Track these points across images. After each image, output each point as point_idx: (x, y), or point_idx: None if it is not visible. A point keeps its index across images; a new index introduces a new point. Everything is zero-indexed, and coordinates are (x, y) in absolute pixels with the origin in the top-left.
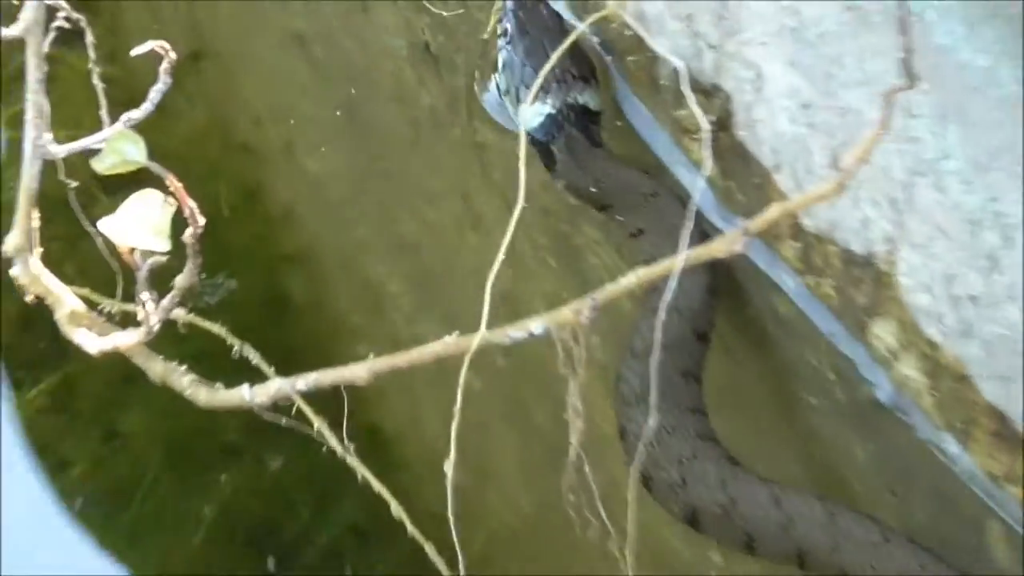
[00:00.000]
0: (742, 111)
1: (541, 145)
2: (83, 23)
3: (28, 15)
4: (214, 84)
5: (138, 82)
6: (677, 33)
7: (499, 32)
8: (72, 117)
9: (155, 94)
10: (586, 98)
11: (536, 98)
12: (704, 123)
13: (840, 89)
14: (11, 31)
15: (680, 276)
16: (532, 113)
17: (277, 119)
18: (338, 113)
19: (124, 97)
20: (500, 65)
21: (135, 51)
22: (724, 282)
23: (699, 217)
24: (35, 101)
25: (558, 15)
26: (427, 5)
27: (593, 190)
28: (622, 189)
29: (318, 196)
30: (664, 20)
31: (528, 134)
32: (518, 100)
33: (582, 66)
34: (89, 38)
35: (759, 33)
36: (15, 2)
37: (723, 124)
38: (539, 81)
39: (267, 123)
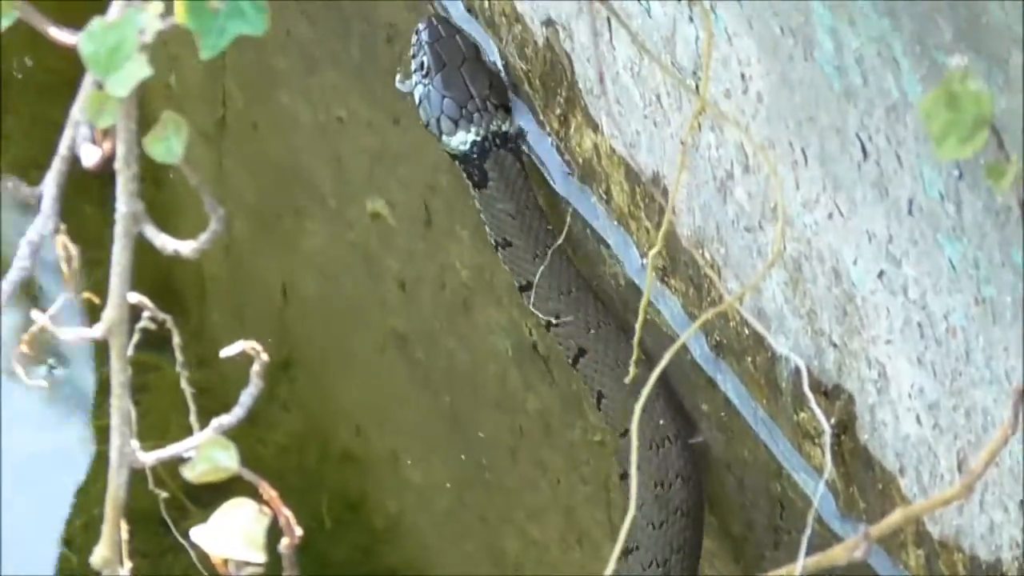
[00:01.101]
0: (865, 413)
1: (474, 163)
2: (169, 323)
3: (110, 314)
4: (309, 390)
5: (228, 389)
6: (798, 331)
7: (414, 68)
8: (159, 425)
9: (247, 398)
10: (507, 126)
11: (459, 128)
12: (826, 427)
13: (968, 387)
14: (94, 332)
15: None
16: (458, 141)
17: (379, 426)
18: (441, 419)
19: (214, 405)
20: (417, 99)
21: (224, 352)
22: None
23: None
24: (120, 407)
25: (475, 45)
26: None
27: (512, 218)
28: (529, 230)
29: (423, 508)
30: (784, 317)
31: (458, 156)
32: (440, 131)
33: (502, 95)
34: (176, 339)
35: (884, 329)
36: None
37: (845, 427)
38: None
39: (369, 430)
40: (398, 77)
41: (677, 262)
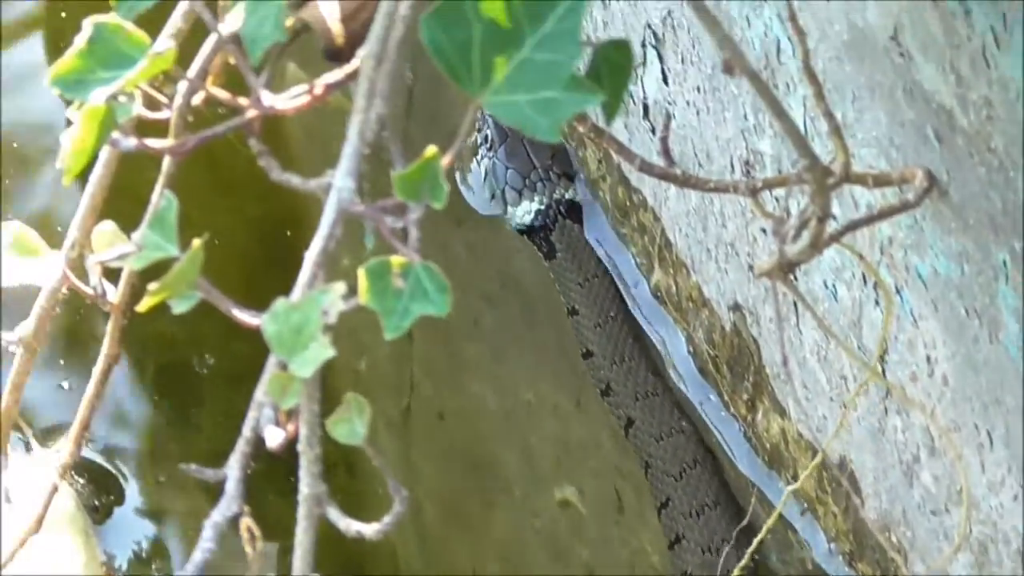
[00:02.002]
0: None
1: (540, 234)
2: None
3: None
4: None
5: None
6: None
7: (479, 141)
8: None
9: None
10: (571, 193)
11: (523, 197)
12: None
13: None
14: None
15: None
16: (523, 211)
17: None
18: None
19: None
20: (483, 174)
21: None
22: None
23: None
24: None
25: None
26: None
27: (580, 287)
28: (595, 300)
29: None
30: None
31: (524, 229)
32: (505, 203)
33: (565, 164)
34: None
35: None
36: None
37: None
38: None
39: None
40: (458, 176)
41: (864, 546)
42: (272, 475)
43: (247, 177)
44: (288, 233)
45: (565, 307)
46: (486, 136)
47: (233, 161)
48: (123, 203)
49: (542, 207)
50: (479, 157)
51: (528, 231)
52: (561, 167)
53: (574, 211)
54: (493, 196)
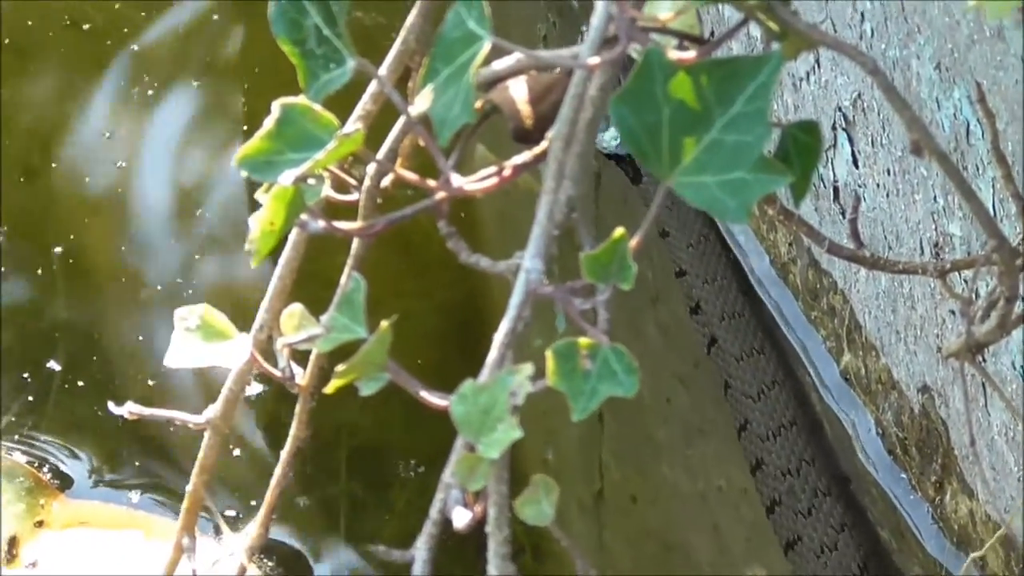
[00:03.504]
0: None
1: (626, 159)
2: None
3: None
4: None
5: None
6: None
7: None
8: None
9: None
10: None
11: (609, 125)
12: None
13: None
14: None
15: None
16: (610, 136)
17: None
18: None
19: None
20: None
21: None
22: None
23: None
24: None
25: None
26: None
27: (669, 208)
28: (685, 221)
29: None
30: None
31: (612, 155)
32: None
33: None
34: None
35: None
36: None
37: None
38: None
39: None
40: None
41: None
42: (460, 557)
43: (439, 261)
44: (480, 317)
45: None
46: None
47: (427, 245)
48: (312, 288)
49: None
50: None
51: (615, 156)
52: None
53: None
54: None
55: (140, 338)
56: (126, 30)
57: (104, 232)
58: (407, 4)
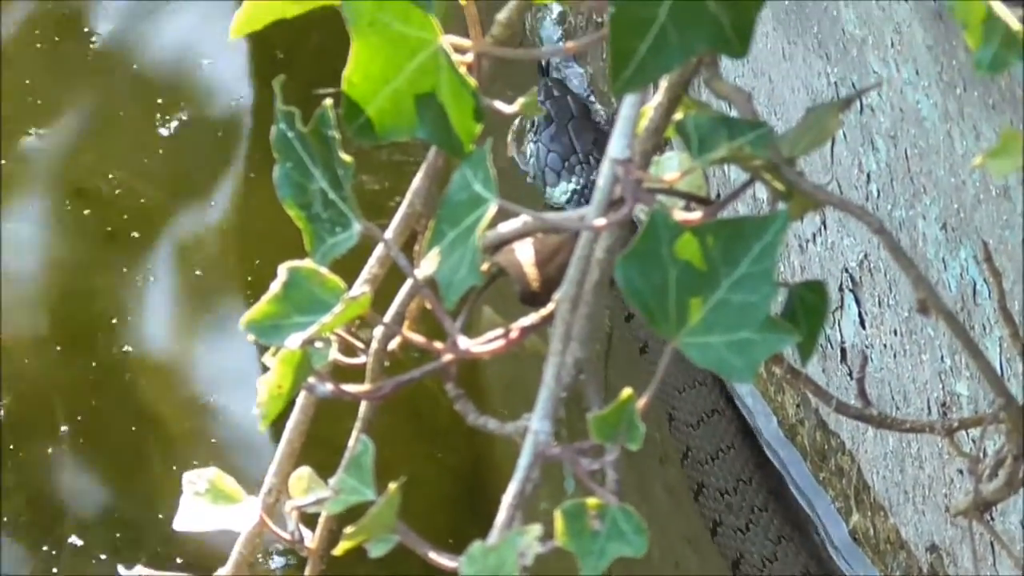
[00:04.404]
0: None
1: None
2: None
3: None
4: None
5: None
6: None
7: (528, 127)
8: None
9: None
10: None
11: (561, 179)
12: None
13: None
14: None
15: None
16: (559, 192)
17: None
18: None
19: None
20: (527, 156)
21: None
22: None
23: None
24: None
25: (586, 105)
26: None
27: None
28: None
29: None
30: None
31: (559, 208)
32: (544, 184)
33: (603, 151)
34: None
35: None
36: None
37: None
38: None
39: None
40: (514, 149)
41: None
42: None
43: (448, 425)
44: (488, 480)
45: None
46: (532, 121)
47: (434, 409)
48: (320, 453)
49: (578, 187)
50: (529, 139)
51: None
52: (600, 153)
53: None
54: (535, 177)
55: None
56: None
57: None
58: (412, 168)
